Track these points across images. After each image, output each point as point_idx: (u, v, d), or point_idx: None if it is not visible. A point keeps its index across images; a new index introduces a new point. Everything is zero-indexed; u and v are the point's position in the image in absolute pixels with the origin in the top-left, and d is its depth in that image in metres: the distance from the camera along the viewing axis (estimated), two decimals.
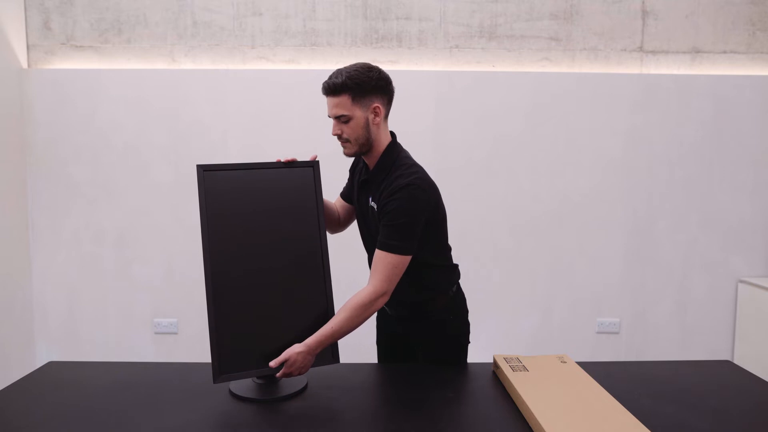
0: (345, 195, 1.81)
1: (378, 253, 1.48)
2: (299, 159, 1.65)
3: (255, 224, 1.54)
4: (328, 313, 1.53)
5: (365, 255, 1.70)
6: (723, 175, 3.02)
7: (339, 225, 1.81)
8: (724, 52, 3.04)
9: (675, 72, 3.03)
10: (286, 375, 1.43)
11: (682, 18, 3.01)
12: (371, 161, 1.60)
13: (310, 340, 1.44)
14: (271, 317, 1.50)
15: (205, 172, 1.52)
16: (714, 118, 2.99)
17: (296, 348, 1.43)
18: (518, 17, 3.00)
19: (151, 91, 2.93)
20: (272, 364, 1.43)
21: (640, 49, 3.03)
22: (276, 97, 2.93)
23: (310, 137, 2.93)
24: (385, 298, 1.49)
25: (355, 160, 1.75)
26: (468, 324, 1.74)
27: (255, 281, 1.51)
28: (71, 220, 2.98)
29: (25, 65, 2.95)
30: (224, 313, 1.46)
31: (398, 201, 1.46)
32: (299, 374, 1.45)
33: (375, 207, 1.55)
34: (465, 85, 2.96)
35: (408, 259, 1.48)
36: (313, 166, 1.62)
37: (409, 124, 2.98)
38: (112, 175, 2.97)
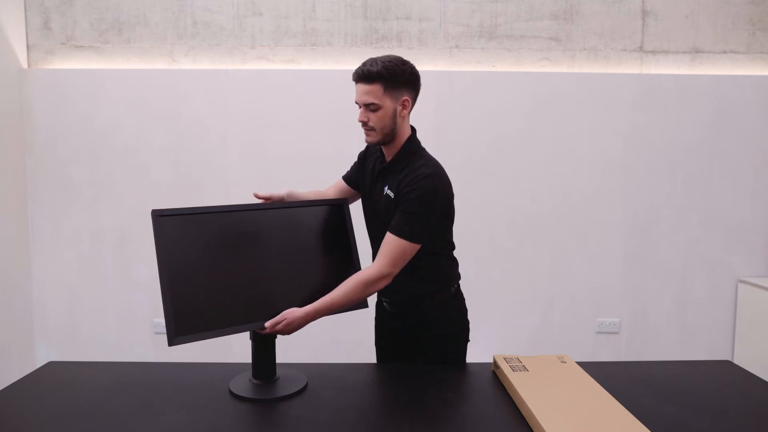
0: (349, 179, 1.81)
1: (389, 237, 1.51)
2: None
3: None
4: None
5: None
6: (723, 175, 3.02)
7: None
8: (724, 52, 3.03)
9: (675, 72, 3.03)
10: (274, 329, 1.43)
11: (682, 18, 3.01)
12: (390, 151, 1.62)
13: (309, 307, 1.46)
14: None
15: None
16: (714, 118, 2.99)
17: (295, 311, 1.45)
18: (518, 17, 2.99)
19: (151, 91, 2.93)
20: (268, 324, 1.43)
21: (640, 49, 3.02)
22: (276, 97, 2.93)
23: (310, 137, 2.94)
24: (387, 281, 1.52)
25: (367, 147, 1.76)
26: (468, 323, 1.74)
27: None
28: (71, 220, 2.98)
29: (25, 65, 2.95)
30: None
31: (419, 190, 1.50)
32: (283, 333, 1.45)
33: (392, 195, 1.57)
34: (465, 85, 2.95)
35: (416, 247, 1.51)
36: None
37: None
38: (112, 175, 2.97)
